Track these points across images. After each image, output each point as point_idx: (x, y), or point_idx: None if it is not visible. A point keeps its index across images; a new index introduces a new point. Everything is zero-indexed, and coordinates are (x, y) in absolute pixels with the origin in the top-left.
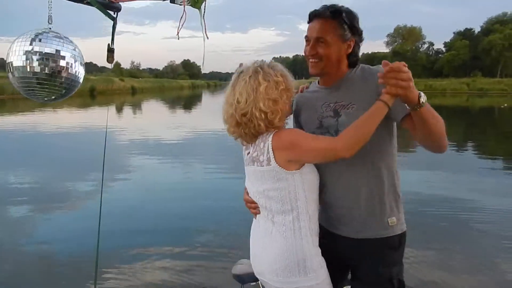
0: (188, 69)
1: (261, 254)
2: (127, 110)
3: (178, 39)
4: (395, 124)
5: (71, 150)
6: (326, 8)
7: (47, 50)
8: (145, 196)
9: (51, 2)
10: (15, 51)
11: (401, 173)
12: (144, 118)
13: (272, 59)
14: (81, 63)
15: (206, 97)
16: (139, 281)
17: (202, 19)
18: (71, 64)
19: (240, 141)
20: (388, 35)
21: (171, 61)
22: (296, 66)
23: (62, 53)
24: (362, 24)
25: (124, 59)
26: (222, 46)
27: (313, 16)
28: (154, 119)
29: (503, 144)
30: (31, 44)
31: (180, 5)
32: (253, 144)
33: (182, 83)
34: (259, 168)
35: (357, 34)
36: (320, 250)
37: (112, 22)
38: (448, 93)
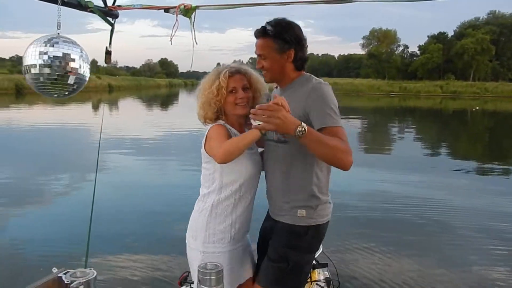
0: (166, 67)
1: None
2: (104, 108)
3: (171, 44)
4: None
5: (47, 146)
6: (263, 27)
7: (58, 53)
8: (119, 194)
9: (59, 10)
10: (31, 54)
11: (378, 174)
12: (121, 116)
13: (249, 59)
14: (87, 64)
15: (183, 96)
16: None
17: (192, 27)
18: (80, 65)
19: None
20: (363, 37)
21: (148, 60)
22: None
23: (71, 56)
24: (338, 25)
25: (101, 55)
26: (200, 46)
27: (255, 34)
28: (131, 117)
29: (473, 145)
30: (44, 48)
31: (173, 14)
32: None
33: (159, 82)
34: (201, 148)
35: (295, 42)
36: (223, 229)
37: (110, 27)
38: (422, 95)
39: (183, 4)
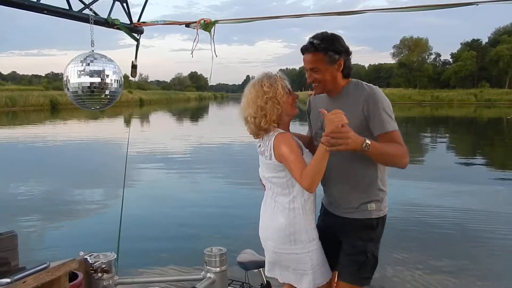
0: (195, 81)
1: (266, 224)
2: (135, 122)
3: (192, 57)
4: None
5: (83, 162)
6: (311, 42)
7: (95, 69)
8: (153, 207)
9: (93, 29)
10: (70, 71)
11: (411, 184)
12: (151, 129)
13: (279, 70)
14: (121, 78)
15: (212, 109)
16: None
17: (212, 40)
18: (114, 79)
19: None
20: (394, 46)
21: (178, 73)
22: (303, 78)
23: (106, 72)
24: (369, 35)
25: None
26: (229, 58)
27: (303, 51)
28: (162, 131)
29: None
30: (82, 65)
31: (194, 29)
32: (261, 139)
33: (189, 95)
34: (265, 159)
35: (343, 52)
36: (314, 226)
37: (136, 42)
38: (455, 104)
39: (203, 19)
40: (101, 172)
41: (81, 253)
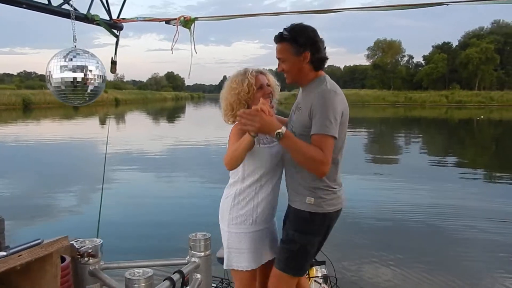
0: (172, 81)
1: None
2: (111, 122)
3: (172, 53)
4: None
5: (56, 162)
6: (280, 32)
7: (78, 64)
8: (127, 207)
9: (74, 24)
10: (53, 66)
11: (384, 183)
12: (127, 129)
13: (264, 68)
14: (103, 73)
15: (189, 109)
16: None
17: (192, 37)
18: (96, 75)
19: None
20: (368, 48)
21: (154, 73)
22: (279, 79)
23: (89, 67)
24: (343, 36)
25: (107, 68)
26: (206, 59)
27: (274, 40)
28: (137, 131)
29: (480, 154)
30: (65, 60)
31: (174, 25)
32: None
33: (166, 95)
34: None
35: (309, 44)
36: (243, 213)
37: (116, 39)
38: (427, 105)
39: (183, 16)
40: (75, 172)
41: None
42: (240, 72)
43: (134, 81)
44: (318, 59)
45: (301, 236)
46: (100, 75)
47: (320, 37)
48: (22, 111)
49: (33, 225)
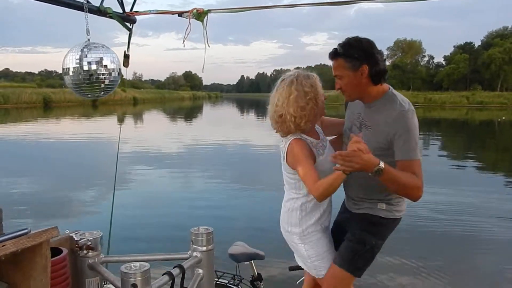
0: (190, 80)
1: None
2: (129, 121)
3: (184, 46)
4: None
5: (75, 160)
6: (334, 49)
7: (93, 58)
8: (145, 207)
9: (87, 17)
10: (69, 60)
11: None
12: (145, 128)
13: (273, 71)
14: (119, 66)
15: (206, 109)
16: None
17: (205, 30)
18: (112, 68)
19: (279, 134)
20: (388, 48)
21: (173, 73)
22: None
23: (105, 60)
24: (364, 36)
25: (126, 70)
26: (224, 58)
27: (329, 57)
28: (153, 130)
29: (502, 157)
30: (81, 53)
31: (186, 18)
32: (282, 139)
33: (183, 94)
34: (282, 159)
35: (366, 58)
36: (312, 223)
37: (128, 32)
38: (447, 106)
39: (195, 8)
40: (92, 170)
41: (67, 231)
42: (305, 75)
43: (152, 80)
44: (377, 72)
45: (371, 237)
46: (116, 68)
47: (378, 48)
48: (42, 109)
49: (51, 220)
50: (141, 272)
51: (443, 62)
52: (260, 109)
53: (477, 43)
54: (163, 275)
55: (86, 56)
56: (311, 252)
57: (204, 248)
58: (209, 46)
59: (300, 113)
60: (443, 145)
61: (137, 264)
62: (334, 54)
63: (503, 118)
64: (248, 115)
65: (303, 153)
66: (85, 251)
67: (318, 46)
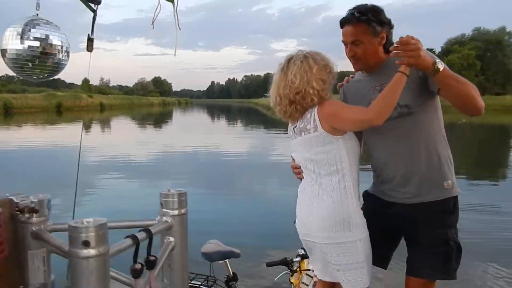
0: (159, 86)
1: (307, 216)
2: (95, 127)
3: (153, 28)
4: (437, 97)
5: (39, 167)
6: (352, 13)
7: (38, 35)
8: (110, 214)
9: None
10: (9, 36)
11: None
12: (111, 135)
13: (244, 77)
14: (67, 47)
15: (176, 115)
16: None
17: (175, 12)
18: (59, 47)
19: (289, 119)
20: None
21: (141, 78)
22: (267, 84)
23: (51, 38)
24: (333, 42)
25: (93, 75)
26: (194, 64)
27: (344, 22)
28: (121, 137)
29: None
30: (23, 29)
31: None
32: (300, 119)
33: (153, 100)
34: (307, 136)
35: (386, 24)
36: (361, 212)
37: (93, 14)
38: None
39: None
40: (51, 180)
41: (7, 195)
42: (311, 51)
43: (120, 86)
44: (390, 41)
45: (452, 231)
46: (63, 49)
47: None
48: (2, 115)
49: None
50: (95, 227)
51: None
52: (231, 114)
53: (438, 50)
54: (125, 238)
55: (29, 31)
56: (368, 250)
57: (176, 212)
58: (180, 29)
59: (323, 86)
60: None
61: (91, 218)
62: (355, 19)
63: (463, 120)
64: (219, 121)
65: (341, 103)
66: (27, 215)
67: (288, 52)
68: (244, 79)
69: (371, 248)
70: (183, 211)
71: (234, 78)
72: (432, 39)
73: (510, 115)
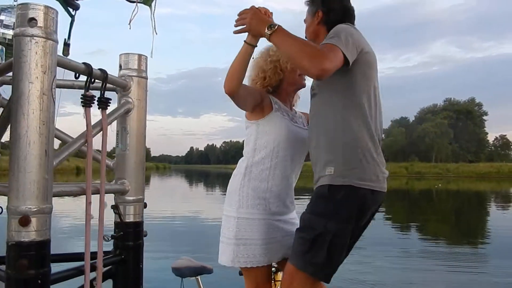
0: None
1: None
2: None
3: (130, 28)
4: (343, 79)
5: None
6: None
7: (10, 22)
8: None
9: None
10: None
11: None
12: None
13: (223, 143)
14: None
15: (154, 181)
16: None
17: (152, 15)
18: None
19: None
20: None
21: None
22: None
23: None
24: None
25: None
26: (173, 130)
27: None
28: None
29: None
30: None
31: (133, 2)
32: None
33: None
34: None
35: (321, 4)
36: (260, 196)
37: (70, 18)
38: (389, 176)
39: None
40: None
41: None
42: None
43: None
44: (329, 20)
45: (321, 220)
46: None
47: None
48: None
49: None
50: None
51: (383, 136)
52: (209, 180)
53: (412, 119)
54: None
55: (4, 20)
56: (241, 232)
57: (135, 73)
58: (156, 34)
59: (260, 76)
60: (393, 214)
61: None
62: (305, 3)
63: (439, 185)
64: (197, 187)
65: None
66: None
67: None
68: (223, 145)
69: (253, 234)
70: (143, 75)
71: (213, 144)
72: (405, 108)
73: (484, 182)
